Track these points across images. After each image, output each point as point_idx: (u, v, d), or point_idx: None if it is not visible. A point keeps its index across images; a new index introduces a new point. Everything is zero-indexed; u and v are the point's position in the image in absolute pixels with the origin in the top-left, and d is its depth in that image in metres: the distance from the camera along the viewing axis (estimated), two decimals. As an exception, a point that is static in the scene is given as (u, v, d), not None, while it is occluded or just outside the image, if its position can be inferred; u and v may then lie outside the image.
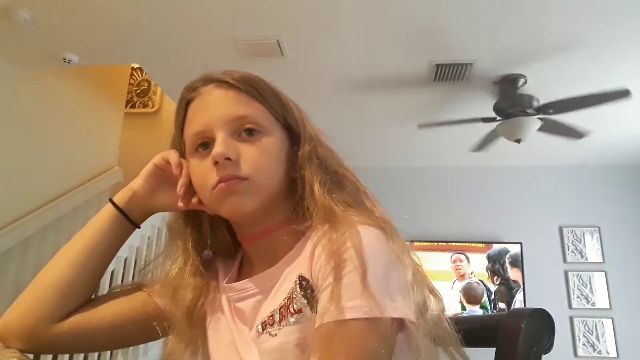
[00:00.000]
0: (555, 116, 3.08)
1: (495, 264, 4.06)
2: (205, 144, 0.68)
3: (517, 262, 4.03)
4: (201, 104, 0.70)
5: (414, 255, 0.65)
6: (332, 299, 0.56)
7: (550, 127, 3.19)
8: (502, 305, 3.96)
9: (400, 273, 0.60)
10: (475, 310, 3.95)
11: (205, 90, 0.70)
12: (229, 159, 0.65)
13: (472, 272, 4.05)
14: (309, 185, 0.68)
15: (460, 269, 4.07)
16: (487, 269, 4.05)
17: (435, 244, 4.07)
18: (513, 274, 4.01)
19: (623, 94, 2.80)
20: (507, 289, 4.00)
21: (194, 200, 0.71)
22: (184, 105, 0.72)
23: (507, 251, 4.07)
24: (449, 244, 4.10)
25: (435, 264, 3.99)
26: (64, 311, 0.71)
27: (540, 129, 3.12)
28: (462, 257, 4.08)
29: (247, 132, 0.68)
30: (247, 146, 0.67)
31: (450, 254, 4.09)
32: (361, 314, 0.54)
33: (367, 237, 0.60)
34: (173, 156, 0.73)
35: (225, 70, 0.72)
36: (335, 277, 0.58)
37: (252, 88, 0.70)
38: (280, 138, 0.71)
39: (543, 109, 3.01)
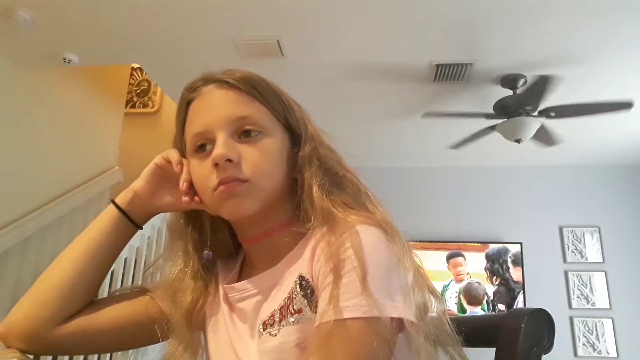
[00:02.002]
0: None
1: (495, 264, 4.03)
2: (206, 144, 0.68)
3: (518, 261, 4.02)
4: (202, 104, 0.70)
5: (416, 257, 0.64)
6: (331, 299, 0.56)
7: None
8: (501, 306, 3.92)
9: (401, 273, 0.59)
10: (476, 312, 3.93)
11: (206, 91, 0.70)
12: (229, 160, 0.65)
13: (467, 273, 4.03)
14: (307, 187, 0.67)
15: (461, 273, 4.05)
16: (485, 269, 4.03)
17: (434, 243, 4.04)
18: (515, 274, 3.99)
19: (625, 105, 2.79)
20: (507, 290, 3.97)
21: (197, 198, 0.71)
22: (185, 105, 0.72)
23: (507, 250, 4.05)
24: (448, 243, 4.09)
25: (434, 263, 3.98)
26: (67, 313, 0.71)
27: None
28: (461, 259, 4.06)
29: (247, 133, 0.67)
30: (248, 147, 0.67)
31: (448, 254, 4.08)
32: (360, 314, 0.54)
33: (367, 236, 0.60)
34: (173, 154, 0.72)
35: (226, 69, 0.71)
36: (334, 277, 0.58)
37: (253, 88, 0.70)
38: (282, 139, 0.70)
39: (545, 112, 3.01)
